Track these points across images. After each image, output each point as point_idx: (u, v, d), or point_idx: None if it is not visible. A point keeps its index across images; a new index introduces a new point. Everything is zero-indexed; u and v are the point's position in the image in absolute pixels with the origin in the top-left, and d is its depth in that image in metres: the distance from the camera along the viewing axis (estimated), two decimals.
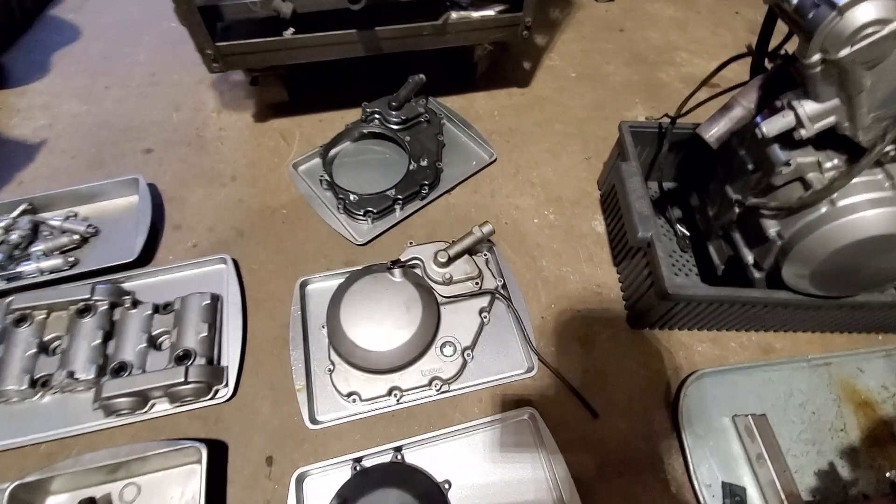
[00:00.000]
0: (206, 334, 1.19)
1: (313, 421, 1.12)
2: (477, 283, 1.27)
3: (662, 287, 1.09)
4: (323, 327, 1.20)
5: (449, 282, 1.24)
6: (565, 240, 1.49)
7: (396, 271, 1.20)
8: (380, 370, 1.14)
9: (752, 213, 1.10)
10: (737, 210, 1.16)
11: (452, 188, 1.58)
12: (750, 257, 1.15)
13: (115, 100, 1.80)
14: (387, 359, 1.13)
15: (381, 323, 1.15)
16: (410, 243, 1.32)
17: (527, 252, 1.46)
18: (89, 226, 1.36)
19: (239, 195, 1.56)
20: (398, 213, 1.51)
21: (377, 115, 1.59)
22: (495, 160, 1.66)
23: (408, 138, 1.57)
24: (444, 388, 1.11)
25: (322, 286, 1.35)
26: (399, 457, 1.04)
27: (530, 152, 1.70)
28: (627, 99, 1.90)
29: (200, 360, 1.14)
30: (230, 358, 1.21)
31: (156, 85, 1.86)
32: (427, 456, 1.07)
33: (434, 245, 1.30)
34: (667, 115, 1.39)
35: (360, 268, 1.31)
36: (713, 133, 1.08)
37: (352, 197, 1.47)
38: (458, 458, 1.08)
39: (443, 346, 1.20)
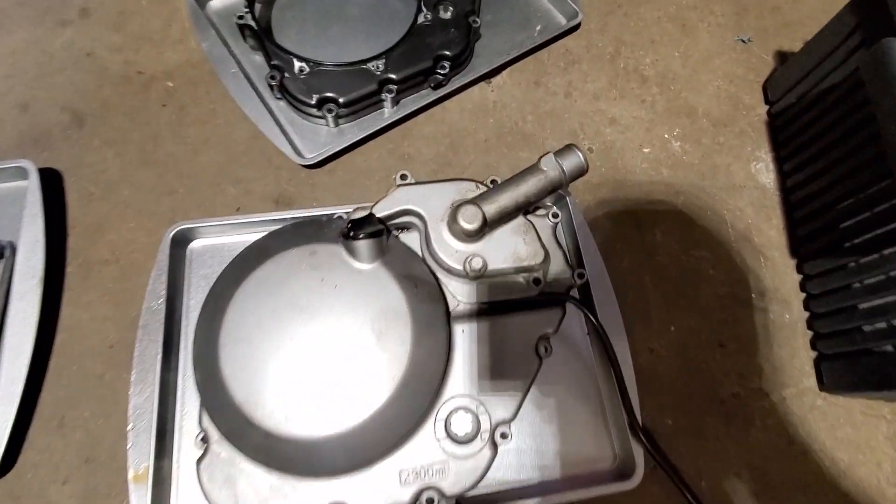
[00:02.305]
0: None
1: None
2: (535, 278, 0.58)
3: None
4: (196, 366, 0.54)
5: (479, 273, 0.56)
6: (700, 194, 0.78)
7: (363, 244, 0.52)
8: (309, 472, 0.50)
9: None
10: None
11: (495, 71, 0.84)
12: None
13: None
14: (326, 451, 0.49)
15: (319, 368, 0.49)
16: (403, 177, 0.61)
17: (627, 213, 0.76)
18: None
19: (89, 45, 0.82)
20: (388, 111, 0.78)
21: None
22: (578, 26, 0.89)
23: None
24: None
25: (218, 245, 0.67)
26: None
27: (643, 19, 0.92)
28: None
29: None
30: (1, 383, 0.58)
31: None
32: None
33: (452, 186, 0.60)
34: None
35: (288, 223, 0.62)
36: None
37: (299, 66, 0.74)
38: None
39: (452, 415, 0.55)
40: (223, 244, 0.68)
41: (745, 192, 0.79)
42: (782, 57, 0.90)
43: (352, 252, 0.53)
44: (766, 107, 0.86)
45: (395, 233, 0.61)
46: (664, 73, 0.87)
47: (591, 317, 0.60)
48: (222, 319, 0.50)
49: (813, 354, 0.70)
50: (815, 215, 0.72)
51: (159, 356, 0.59)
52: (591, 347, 0.68)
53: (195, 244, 0.68)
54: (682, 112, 0.84)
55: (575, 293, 0.66)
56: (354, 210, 0.53)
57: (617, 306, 0.67)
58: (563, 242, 0.67)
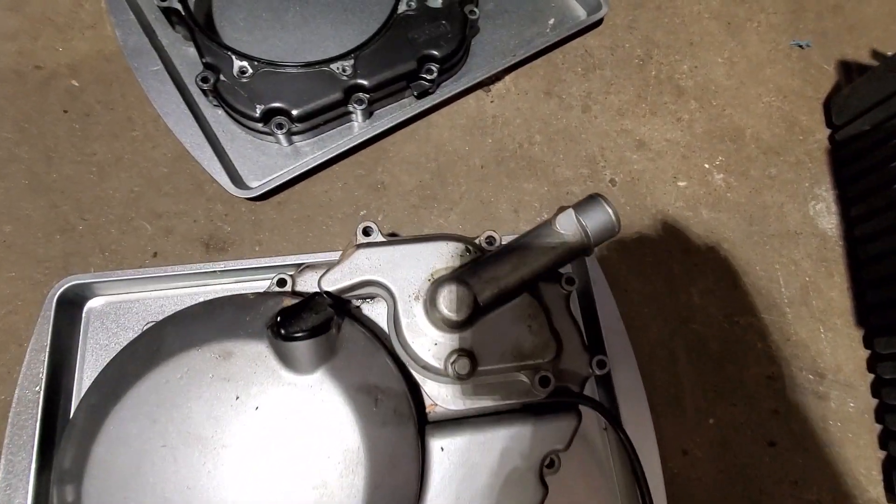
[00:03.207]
0: None
1: None
2: (542, 377, 0.42)
3: None
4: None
5: (467, 375, 0.40)
6: (747, 242, 0.63)
7: (300, 347, 0.35)
8: None
9: None
10: None
11: (496, 77, 0.67)
12: None
13: None
14: None
15: None
16: (367, 232, 0.45)
17: (656, 266, 0.60)
18: None
19: None
20: (357, 127, 0.61)
21: None
22: (601, 21, 0.71)
23: None
24: None
25: (125, 303, 0.51)
26: None
27: (680, 14, 0.75)
28: None
29: None
30: None
31: None
32: None
33: (433, 249, 0.43)
34: None
35: (213, 287, 0.46)
36: None
37: (240, 66, 0.56)
38: None
39: None
40: (132, 303, 0.52)
41: (802, 240, 0.63)
42: (846, 68, 0.73)
43: (283, 357, 0.36)
44: (828, 131, 0.70)
45: (356, 303, 0.45)
46: (704, 84, 0.70)
47: (618, 430, 0.44)
48: (88, 453, 0.34)
49: (881, 455, 0.56)
50: (891, 278, 0.57)
51: (33, 462, 0.44)
52: (607, 446, 0.53)
53: (94, 303, 0.52)
54: (725, 135, 0.67)
55: (599, 399, 0.51)
56: (283, 294, 0.37)
57: (644, 398, 0.52)
58: (578, 318, 0.51)
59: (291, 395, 0.36)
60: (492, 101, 0.66)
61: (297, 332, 0.35)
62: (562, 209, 0.42)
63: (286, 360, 0.36)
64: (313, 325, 0.36)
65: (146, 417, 0.35)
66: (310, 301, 0.38)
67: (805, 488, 0.54)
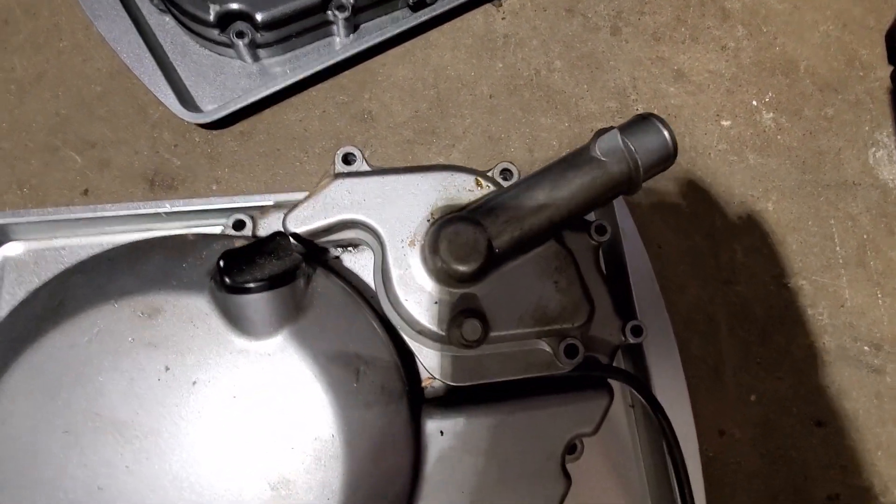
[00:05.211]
0: None
1: None
2: (568, 346, 0.33)
3: None
4: None
5: (475, 342, 0.30)
6: (799, 193, 0.54)
7: (253, 301, 0.25)
8: None
9: None
10: None
11: None
12: None
13: None
14: None
15: None
16: (348, 160, 0.34)
17: (695, 218, 0.51)
18: None
19: None
20: (340, 42, 0.50)
21: None
22: None
23: None
24: None
25: (48, 251, 0.41)
26: None
27: None
28: None
29: None
30: None
31: None
32: None
33: (434, 181, 0.33)
34: None
35: (160, 224, 0.36)
36: None
37: None
38: None
39: None
40: (57, 250, 0.42)
41: (860, 192, 0.54)
42: None
43: (231, 315, 0.27)
44: (891, 68, 0.60)
45: (334, 253, 0.35)
46: (753, 7, 0.59)
47: (657, 412, 0.36)
48: None
49: None
50: None
51: None
52: (633, 426, 0.45)
53: (9, 250, 0.42)
54: (777, 68, 0.57)
55: (630, 370, 0.43)
56: (239, 238, 0.27)
57: (681, 371, 0.44)
58: (606, 276, 0.42)
59: (242, 366, 0.27)
60: (503, 18, 0.54)
61: (250, 282, 0.26)
62: (603, 131, 0.32)
63: (235, 320, 0.27)
64: (272, 273, 0.26)
65: (42, 393, 0.25)
66: (268, 242, 0.28)
67: (855, 474, 0.47)
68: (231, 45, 0.46)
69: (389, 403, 0.29)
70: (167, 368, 0.26)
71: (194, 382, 0.26)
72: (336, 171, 0.34)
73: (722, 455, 0.46)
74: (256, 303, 0.26)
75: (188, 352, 0.26)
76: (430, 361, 0.34)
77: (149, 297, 0.27)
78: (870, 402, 0.49)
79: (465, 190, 0.34)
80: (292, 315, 0.28)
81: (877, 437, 0.48)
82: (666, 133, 0.32)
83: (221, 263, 0.25)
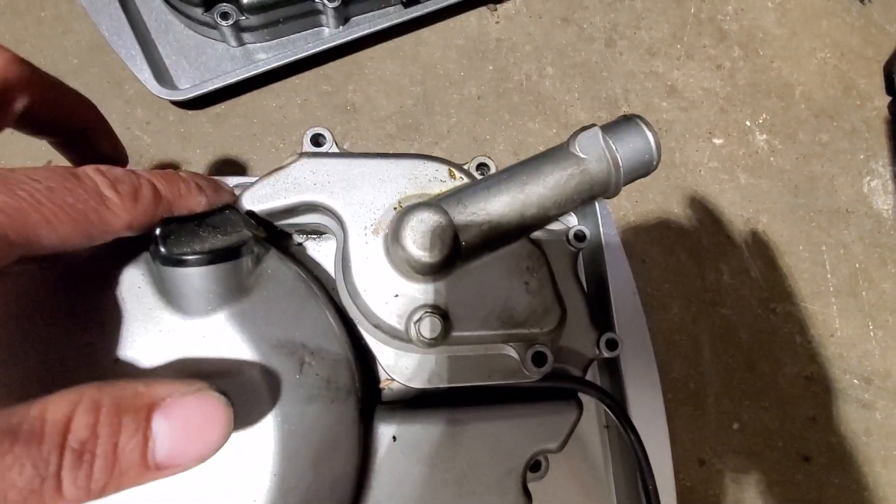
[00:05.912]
0: None
1: None
2: (536, 353, 0.31)
3: None
4: None
5: (435, 341, 0.28)
6: (790, 216, 0.52)
7: (192, 275, 0.23)
8: None
9: None
10: None
11: None
12: None
13: None
14: None
15: None
16: (318, 141, 0.33)
17: (682, 236, 0.49)
18: None
19: None
20: (328, 31, 0.49)
21: None
22: None
23: None
24: None
25: None
26: None
27: None
28: None
29: None
30: None
31: None
32: None
33: (404, 167, 0.31)
34: None
35: None
36: None
37: None
38: None
39: None
40: None
41: (853, 220, 0.53)
42: None
43: (164, 290, 0.25)
44: (889, 99, 0.59)
45: (297, 240, 0.33)
46: (751, 30, 0.59)
47: (628, 431, 0.34)
48: None
49: None
50: None
51: None
52: (607, 448, 0.42)
53: None
54: (772, 90, 0.56)
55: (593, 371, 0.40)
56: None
57: (659, 393, 0.41)
58: (584, 284, 0.40)
59: (171, 346, 0.24)
60: (497, 22, 0.54)
61: (188, 254, 0.24)
62: (584, 128, 0.31)
63: (169, 295, 0.25)
64: (213, 247, 0.24)
65: None
66: (214, 214, 0.26)
67: None
68: (216, 27, 0.45)
69: (335, 400, 0.27)
70: (89, 344, 0.24)
71: (116, 360, 0.24)
72: (302, 151, 0.33)
73: (700, 486, 0.43)
74: (193, 277, 0.24)
75: (113, 327, 0.24)
76: (387, 360, 0.32)
77: (70, 265, 0.24)
78: (858, 439, 0.47)
79: (437, 180, 0.32)
80: (234, 295, 0.26)
81: (863, 477, 0.46)
82: (650, 135, 0.30)
83: (158, 231, 0.23)
